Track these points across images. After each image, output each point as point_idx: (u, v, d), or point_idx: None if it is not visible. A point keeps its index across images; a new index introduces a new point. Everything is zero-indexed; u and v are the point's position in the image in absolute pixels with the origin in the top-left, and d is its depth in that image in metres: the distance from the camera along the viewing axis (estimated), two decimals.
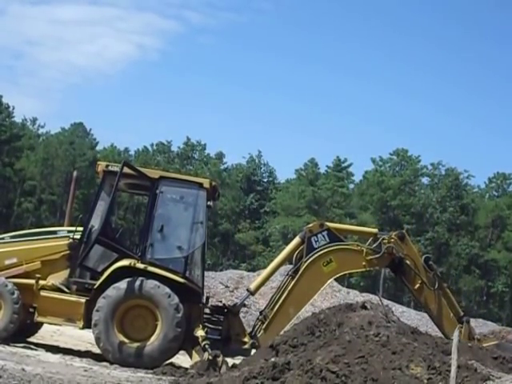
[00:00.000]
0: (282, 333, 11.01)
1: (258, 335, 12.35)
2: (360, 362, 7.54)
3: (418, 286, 12.93)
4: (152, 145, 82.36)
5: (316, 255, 12.61)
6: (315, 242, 12.67)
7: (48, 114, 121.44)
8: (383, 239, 12.97)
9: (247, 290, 13.14)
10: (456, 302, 13.45)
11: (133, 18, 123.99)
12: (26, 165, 71.22)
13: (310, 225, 13.11)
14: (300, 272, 12.54)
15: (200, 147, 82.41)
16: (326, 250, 12.64)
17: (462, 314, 13.27)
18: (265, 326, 12.41)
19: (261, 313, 12.83)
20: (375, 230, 13.82)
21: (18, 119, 76.46)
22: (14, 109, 74.29)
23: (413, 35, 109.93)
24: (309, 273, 12.56)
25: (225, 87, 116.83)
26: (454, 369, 7.11)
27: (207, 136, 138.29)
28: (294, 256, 12.89)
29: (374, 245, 12.97)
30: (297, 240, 12.98)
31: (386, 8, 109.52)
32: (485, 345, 12.40)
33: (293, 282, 12.54)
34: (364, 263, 12.83)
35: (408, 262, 12.89)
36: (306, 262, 12.56)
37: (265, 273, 13.15)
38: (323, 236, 12.72)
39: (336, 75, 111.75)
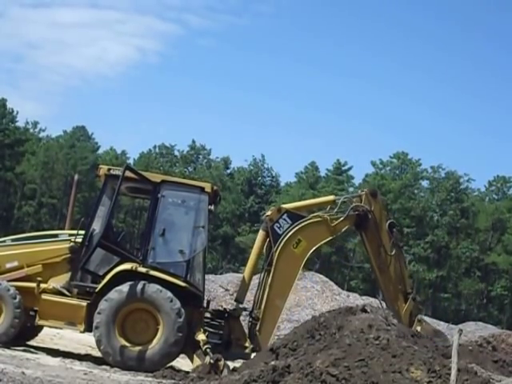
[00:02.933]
0: (282, 336, 11.01)
1: (255, 337, 12.36)
2: (360, 365, 7.56)
3: (375, 246, 12.98)
4: (155, 147, 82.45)
5: (284, 240, 12.53)
6: (278, 228, 12.60)
7: (48, 117, 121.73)
8: (345, 201, 13.08)
9: (235, 300, 13.04)
10: (408, 278, 13.50)
11: (133, 21, 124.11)
12: (26, 168, 71.28)
13: (268, 213, 12.93)
14: (274, 262, 12.49)
15: (204, 151, 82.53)
16: (291, 232, 12.56)
17: (410, 290, 13.27)
18: (258, 326, 12.41)
19: (250, 315, 12.78)
20: (332, 197, 13.81)
21: (20, 123, 76.62)
22: (18, 114, 74.56)
23: (414, 38, 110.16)
24: (282, 260, 12.50)
25: (224, 90, 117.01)
26: (454, 372, 7.13)
27: (208, 139, 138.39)
28: (264, 250, 12.81)
29: (335, 209, 12.96)
30: (261, 233, 12.90)
31: (387, 11, 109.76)
32: (425, 328, 12.65)
33: (271, 275, 12.49)
34: (331, 230, 12.86)
35: (373, 218, 12.89)
36: (276, 251, 12.50)
37: (244, 278, 13.05)
38: (284, 220, 12.63)
39: (336, 78, 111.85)
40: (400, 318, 12.47)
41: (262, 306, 12.47)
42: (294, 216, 12.73)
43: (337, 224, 12.85)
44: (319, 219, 12.85)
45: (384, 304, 13.09)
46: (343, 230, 13.13)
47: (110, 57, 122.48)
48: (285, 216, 12.66)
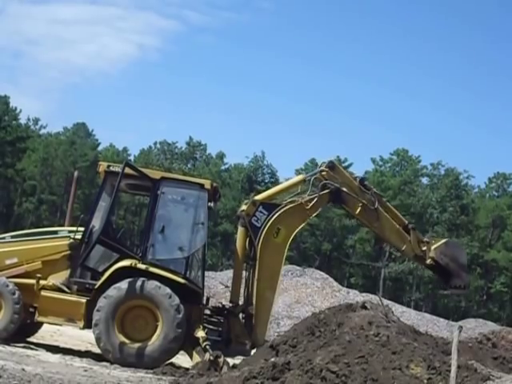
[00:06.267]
0: (282, 333, 11.02)
1: (252, 333, 12.34)
2: (360, 361, 7.57)
3: (359, 209, 13.08)
4: (156, 143, 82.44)
5: (264, 232, 12.52)
6: (256, 221, 12.60)
7: (48, 113, 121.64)
8: (315, 178, 13.10)
9: (230, 302, 12.96)
10: (399, 213, 13.75)
11: (133, 18, 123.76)
12: (26, 165, 71.24)
13: (244, 208, 12.84)
14: (258, 256, 12.46)
15: (201, 147, 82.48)
16: (270, 223, 12.56)
17: (406, 223, 13.56)
18: (254, 321, 12.39)
19: (244, 312, 12.71)
20: (302, 177, 13.71)
21: (23, 120, 76.43)
22: (20, 112, 74.43)
23: (413, 36, 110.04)
24: (266, 252, 12.49)
25: (224, 87, 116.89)
26: (454, 369, 7.13)
27: (208, 136, 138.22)
28: (247, 247, 12.79)
29: (309, 191, 13.01)
30: (241, 230, 12.86)
31: (387, 8, 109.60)
32: (436, 245, 13.22)
33: (257, 269, 12.46)
34: (308, 212, 12.94)
35: (345, 189, 13.00)
36: (258, 244, 12.49)
37: (234, 278, 13.03)
38: (261, 212, 12.63)
39: (336, 75, 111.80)
40: (414, 250, 13.14)
41: (254, 302, 12.45)
42: (270, 206, 12.75)
43: (312, 206, 12.90)
44: (294, 204, 12.88)
45: (384, 301, 13.08)
46: (319, 209, 13.26)
47: (109, 53, 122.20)
48: (260, 208, 12.67)
